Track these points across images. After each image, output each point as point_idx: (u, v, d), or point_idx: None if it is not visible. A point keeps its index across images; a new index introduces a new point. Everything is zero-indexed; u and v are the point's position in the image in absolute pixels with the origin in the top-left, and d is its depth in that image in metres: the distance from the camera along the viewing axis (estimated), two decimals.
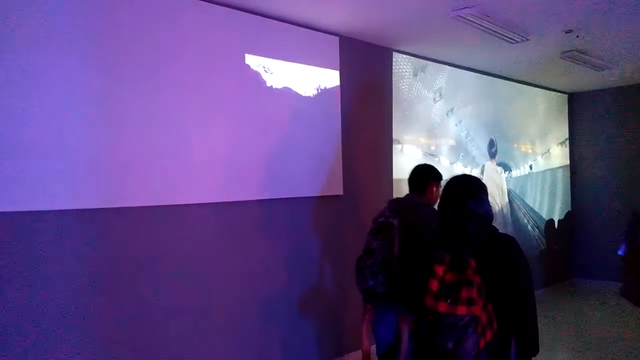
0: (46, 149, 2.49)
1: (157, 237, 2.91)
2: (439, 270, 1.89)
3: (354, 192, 4.06)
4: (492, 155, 5.75)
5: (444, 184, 2.15)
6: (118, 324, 2.73)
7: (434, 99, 4.96)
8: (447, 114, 5.13)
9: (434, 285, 1.89)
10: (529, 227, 6.28)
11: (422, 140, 4.85)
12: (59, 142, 2.53)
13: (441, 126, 5.06)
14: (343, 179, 3.95)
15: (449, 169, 5.05)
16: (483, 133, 5.63)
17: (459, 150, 5.28)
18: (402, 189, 4.27)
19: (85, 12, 2.63)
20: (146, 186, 2.84)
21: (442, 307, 1.86)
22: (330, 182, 3.86)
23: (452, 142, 5.19)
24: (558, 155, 6.83)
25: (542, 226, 6.51)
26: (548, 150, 6.64)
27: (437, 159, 4.97)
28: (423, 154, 4.84)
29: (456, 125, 5.27)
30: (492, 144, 5.73)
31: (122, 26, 2.78)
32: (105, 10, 2.71)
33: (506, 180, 5.96)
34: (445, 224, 2.01)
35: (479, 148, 5.56)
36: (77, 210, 2.60)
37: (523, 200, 6.22)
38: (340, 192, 3.94)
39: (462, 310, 1.83)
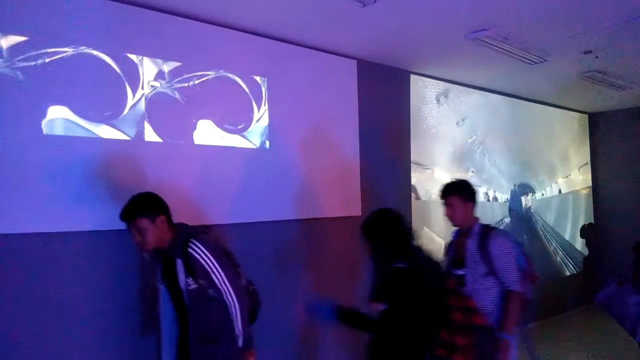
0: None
1: None
2: None
3: None
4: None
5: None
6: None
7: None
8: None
9: None
10: (552, 250, 6.14)
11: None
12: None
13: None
14: (361, 200, 3.95)
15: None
16: (501, 147, 5.27)
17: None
18: (421, 209, 4.21)
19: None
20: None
21: None
22: (348, 203, 3.87)
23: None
24: (579, 177, 6.72)
25: (566, 249, 6.37)
26: (570, 171, 6.54)
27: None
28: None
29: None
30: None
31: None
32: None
33: (531, 203, 5.86)
34: None
35: (497, 165, 5.25)
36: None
37: (547, 223, 6.10)
38: (359, 213, 3.94)
39: None
